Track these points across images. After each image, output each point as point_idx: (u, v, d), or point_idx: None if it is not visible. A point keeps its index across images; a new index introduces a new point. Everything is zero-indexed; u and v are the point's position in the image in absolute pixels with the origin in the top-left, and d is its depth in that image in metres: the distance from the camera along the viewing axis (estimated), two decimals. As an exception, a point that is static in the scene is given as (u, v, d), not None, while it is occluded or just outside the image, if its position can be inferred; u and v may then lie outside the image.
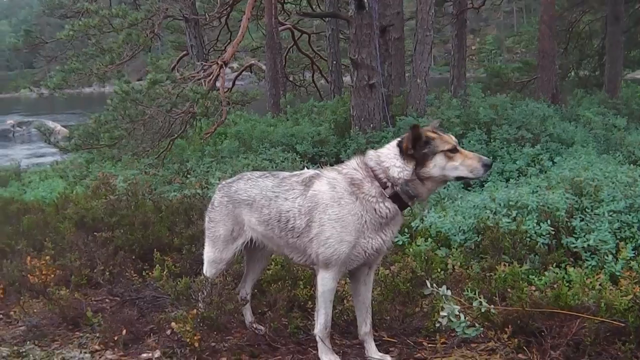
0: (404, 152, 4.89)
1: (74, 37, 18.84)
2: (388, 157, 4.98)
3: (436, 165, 4.87)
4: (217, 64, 16.48)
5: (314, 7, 34.01)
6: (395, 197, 4.94)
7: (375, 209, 4.93)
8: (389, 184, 4.92)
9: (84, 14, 22.80)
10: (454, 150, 4.92)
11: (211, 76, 16.07)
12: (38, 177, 20.89)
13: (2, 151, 48.19)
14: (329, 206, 4.98)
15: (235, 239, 5.74)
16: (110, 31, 18.82)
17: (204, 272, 5.97)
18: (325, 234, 4.96)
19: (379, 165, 4.98)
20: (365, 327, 5.38)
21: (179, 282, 5.99)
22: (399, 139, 5.08)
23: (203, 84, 15.78)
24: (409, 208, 5.17)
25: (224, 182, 6.09)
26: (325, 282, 5.11)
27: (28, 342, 6.21)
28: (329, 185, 5.05)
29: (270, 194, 5.42)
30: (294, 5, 35.25)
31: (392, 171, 4.91)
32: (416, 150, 4.84)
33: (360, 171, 5.03)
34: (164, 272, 6.55)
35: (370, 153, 5.14)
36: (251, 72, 35.72)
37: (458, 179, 5.02)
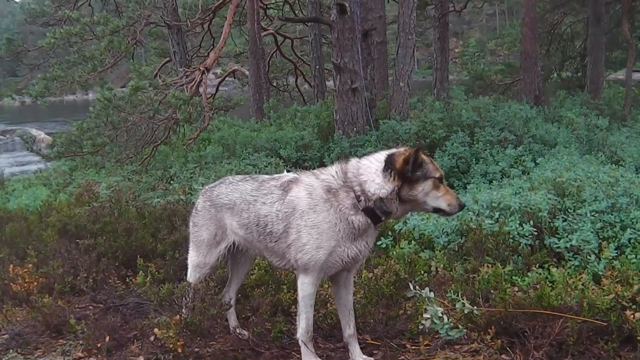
0: (394, 170, 4.83)
1: (56, 45, 18.81)
2: (368, 170, 4.95)
3: (424, 190, 4.87)
4: (200, 69, 16.48)
5: (296, 12, 34.07)
6: (368, 211, 4.92)
7: (348, 220, 4.92)
8: (362, 197, 4.91)
9: (65, 22, 22.78)
10: (441, 180, 4.95)
11: (193, 82, 16.07)
12: (22, 185, 20.79)
13: (-15, 160, 47.95)
14: (305, 212, 4.98)
15: (218, 243, 5.73)
16: (92, 38, 18.81)
17: (188, 277, 5.97)
18: (302, 240, 4.97)
19: (355, 178, 4.95)
20: (349, 330, 5.37)
21: (162, 288, 5.97)
22: (386, 153, 5.02)
23: (186, 90, 15.78)
24: (382, 223, 5.17)
25: (206, 187, 6.09)
26: (305, 287, 5.11)
27: (11, 351, 6.19)
28: (306, 192, 5.05)
29: (249, 197, 5.42)
30: (276, 11, 35.30)
31: (368, 186, 4.89)
32: (412, 171, 4.83)
33: (337, 179, 5.02)
34: (148, 279, 6.53)
35: (352, 162, 5.11)
36: (234, 78, 35.72)
37: (435, 210, 5.02)
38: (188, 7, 30.30)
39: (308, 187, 5.08)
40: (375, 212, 4.90)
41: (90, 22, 18.20)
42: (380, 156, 5.00)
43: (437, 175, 4.90)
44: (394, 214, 5.00)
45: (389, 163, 4.87)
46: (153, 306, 6.20)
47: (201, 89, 16.45)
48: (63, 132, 17.89)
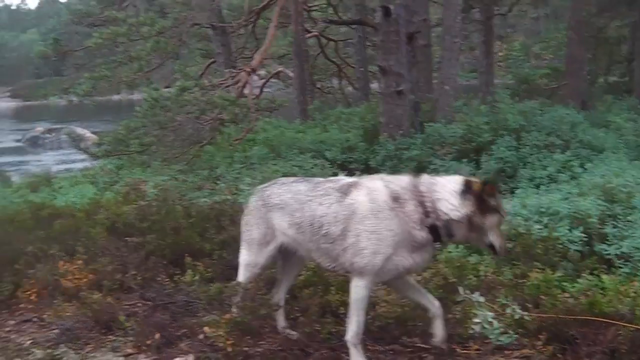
0: (472, 195, 4.88)
1: (103, 45, 19.00)
2: (444, 189, 4.97)
3: (491, 223, 4.95)
4: (245, 71, 16.57)
5: (340, 14, 34.05)
6: (433, 229, 4.93)
7: (410, 232, 4.94)
8: (432, 215, 4.91)
9: (111, 23, 23.02)
10: (502, 219, 5.02)
11: (240, 83, 16.15)
12: (68, 182, 20.99)
13: (33, 157, 48.71)
14: (366, 217, 5.00)
15: (268, 243, 5.76)
16: (138, 39, 18.96)
17: (239, 276, 6.00)
18: (361, 244, 4.99)
19: (429, 194, 4.98)
20: (434, 306, 5.49)
21: (211, 287, 6.02)
22: (462, 177, 5.06)
23: (231, 91, 15.85)
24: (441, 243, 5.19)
25: (259, 187, 6.13)
26: (358, 290, 5.13)
27: (62, 345, 6.28)
28: (369, 196, 5.07)
29: (303, 197, 5.44)
30: (320, 13, 35.30)
31: (441, 204, 4.91)
32: (489, 200, 4.86)
33: (408, 191, 5.02)
34: (196, 277, 6.59)
35: (426, 177, 5.14)
36: (278, 79, 35.82)
37: (489, 245, 5.10)
38: (233, 9, 30.49)
39: (372, 192, 5.09)
40: (439, 231, 4.93)
41: (137, 22, 18.36)
42: (458, 179, 5.05)
43: (504, 213, 4.95)
44: (455, 238, 5.05)
45: (468, 187, 4.91)
46: (202, 305, 6.27)
47: (247, 90, 16.54)
48: (109, 131, 18.07)
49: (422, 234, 4.94)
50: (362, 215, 5.01)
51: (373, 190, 5.10)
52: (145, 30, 18.50)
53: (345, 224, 5.09)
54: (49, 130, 60.81)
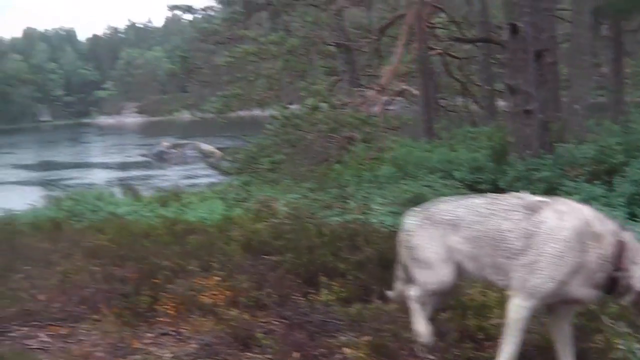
0: None
1: (234, 64, 19.40)
2: None
3: None
4: (375, 90, 16.63)
5: (464, 31, 33.75)
6: (613, 281, 4.86)
7: (592, 270, 4.85)
8: (623, 274, 4.84)
9: (237, 41, 23.50)
10: None
11: (369, 102, 16.20)
12: (197, 198, 21.49)
13: (158, 172, 50.22)
14: (554, 240, 4.91)
15: (443, 262, 5.67)
16: (269, 57, 19.25)
17: (412, 298, 5.94)
18: (540, 264, 4.91)
19: (632, 255, 4.88)
20: None
21: (352, 308, 6.05)
22: None
23: (362, 109, 15.91)
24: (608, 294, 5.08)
25: (417, 208, 6.08)
26: (520, 310, 5.05)
27: (200, 360, 6.40)
28: (560, 220, 4.99)
29: (483, 211, 5.38)
30: (444, 30, 35.07)
31: (638, 271, 4.82)
32: None
33: (609, 234, 4.92)
34: (331, 297, 6.64)
35: (631, 235, 5.01)
36: (402, 97, 35.70)
37: None
38: (357, 27, 30.63)
39: (564, 215, 5.02)
40: (616, 286, 4.87)
41: (267, 41, 18.68)
42: None
43: None
44: (623, 298, 4.98)
45: None
46: (340, 325, 6.30)
47: (377, 109, 16.56)
48: (236, 147, 18.42)
49: (601, 277, 4.85)
50: (550, 237, 4.92)
51: (565, 214, 5.02)
52: (275, 48, 18.79)
53: (529, 241, 5.01)
54: (174, 146, 62.62)
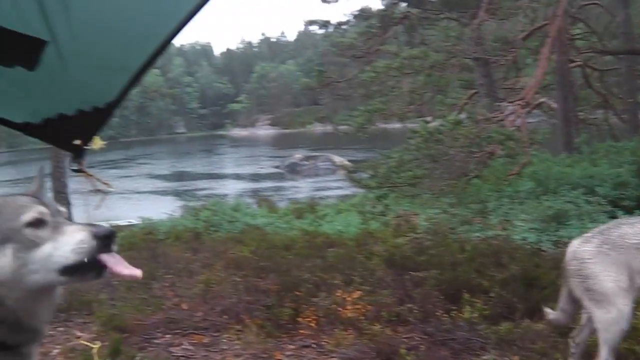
0: None
1: (376, 79, 19.42)
2: None
3: None
4: (520, 104, 16.26)
5: (604, 42, 32.68)
6: None
7: None
8: None
9: (373, 54, 23.52)
10: None
11: (513, 116, 15.84)
12: (332, 210, 21.56)
13: (291, 183, 50.84)
14: None
15: (627, 291, 5.28)
16: (411, 72, 19.18)
17: (603, 339, 5.45)
18: None
19: None
20: None
21: (500, 326, 5.88)
22: None
23: (506, 124, 15.56)
24: None
25: (594, 231, 5.71)
26: None
27: (347, 374, 6.35)
28: None
29: None
30: (583, 42, 34.07)
31: None
32: None
33: None
34: (474, 314, 6.48)
35: None
36: (539, 110, 34.86)
37: None
38: (493, 39, 30.14)
39: None
40: None
41: (409, 56, 18.61)
42: None
43: None
44: None
45: None
46: (484, 343, 6.14)
47: (519, 123, 16.16)
48: (375, 161, 18.32)
49: None
50: None
51: None
52: (418, 63, 18.69)
53: None
54: (307, 158, 63.21)
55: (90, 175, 2.41)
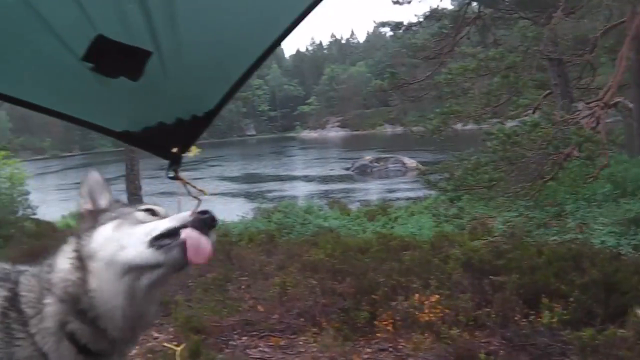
0: None
1: (452, 80, 19.24)
2: None
3: None
4: (598, 105, 15.93)
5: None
6: None
7: None
8: None
9: (446, 56, 23.31)
10: None
11: (590, 117, 15.51)
12: (404, 212, 21.43)
13: (361, 185, 50.75)
14: None
15: None
16: (487, 74, 18.95)
17: None
18: None
19: None
20: None
21: (583, 332, 5.77)
22: None
23: (585, 125, 15.23)
24: None
25: None
26: None
27: (424, 378, 6.31)
28: None
29: None
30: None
31: None
32: None
33: None
34: (554, 320, 6.38)
35: None
36: (615, 110, 34.03)
37: None
38: (568, 38, 29.54)
39: None
40: None
41: (486, 58, 18.38)
42: None
43: None
44: None
45: None
46: (567, 349, 6.04)
47: (599, 125, 15.80)
48: (448, 163, 18.17)
49: None
50: None
51: None
52: (494, 64, 18.44)
53: None
54: (377, 159, 63.01)
55: (187, 183, 2.45)
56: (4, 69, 2.00)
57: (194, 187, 2.49)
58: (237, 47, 2.06)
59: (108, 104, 2.23)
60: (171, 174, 2.43)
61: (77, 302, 2.57)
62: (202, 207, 2.45)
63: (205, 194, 2.57)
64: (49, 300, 2.67)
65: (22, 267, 3.06)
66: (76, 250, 2.58)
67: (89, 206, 2.71)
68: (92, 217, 2.66)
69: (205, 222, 2.37)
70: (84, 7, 1.76)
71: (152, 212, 2.57)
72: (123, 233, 2.50)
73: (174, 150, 2.33)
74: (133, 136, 2.33)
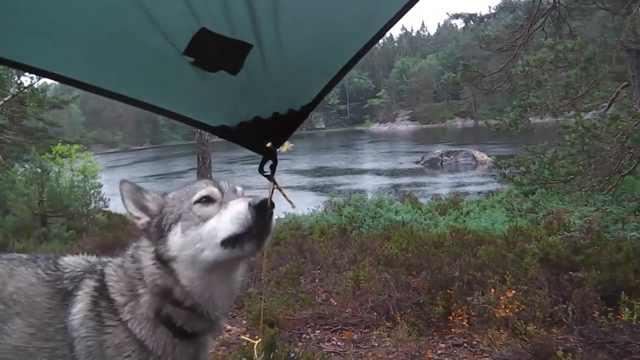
0: None
1: (528, 72, 18.92)
2: None
3: None
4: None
5: None
6: None
7: None
8: None
9: (520, 47, 22.91)
10: None
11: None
12: (476, 206, 21.28)
13: (431, 179, 50.50)
14: None
15: None
16: (565, 66, 18.59)
17: None
18: None
19: None
20: None
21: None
22: None
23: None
24: None
25: None
26: None
27: (504, 376, 6.25)
28: None
29: None
30: None
31: None
32: None
33: None
34: (634, 317, 6.26)
35: None
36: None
37: None
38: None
39: None
40: None
41: (564, 49, 18.00)
42: None
43: None
44: None
45: None
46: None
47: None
48: (521, 156, 17.90)
49: None
50: None
51: None
52: (573, 56, 18.08)
53: None
54: (447, 153, 62.63)
55: (278, 189, 2.49)
56: (109, 66, 2.03)
57: (284, 195, 2.51)
58: (336, 42, 2.06)
59: (206, 99, 2.26)
60: (267, 172, 2.46)
61: (170, 293, 2.64)
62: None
63: (293, 206, 2.61)
64: (142, 290, 2.74)
65: (104, 259, 3.16)
66: (154, 253, 2.67)
67: (142, 217, 2.78)
68: (154, 225, 2.76)
69: (263, 209, 2.48)
70: (190, 1, 1.78)
71: (207, 199, 2.67)
72: (193, 237, 2.64)
73: (268, 145, 2.35)
74: (229, 131, 2.35)
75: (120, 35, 1.86)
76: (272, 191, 2.47)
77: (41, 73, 2.07)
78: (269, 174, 2.47)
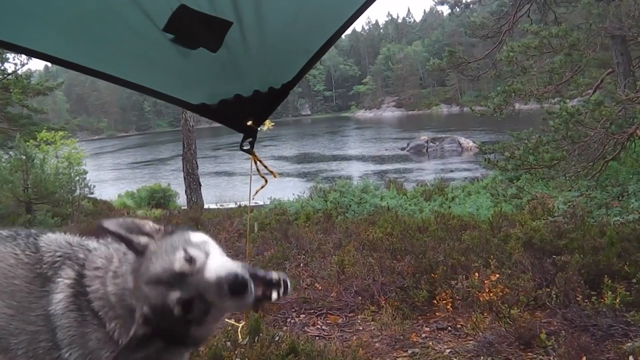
0: None
1: (512, 58, 18.99)
2: None
3: None
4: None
5: None
6: None
7: None
8: None
9: (505, 34, 22.96)
10: None
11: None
12: (461, 192, 21.36)
13: (416, 165, 50.63)
14: None
15: None
16: (550, 52, 18.67)
17: None
18: None
19: None
20: None
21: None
22: None
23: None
24: None
25: None
26: None
27: (482, 357, 6.25)
28: None
29: None
30: None
31: None
32: None
33: None
34: (616, 300, 6.29)
35: None
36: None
37: None
38: (632, 16, 28.81)
39: None
40: None
41: (548, 35, 18.06)
42: None
43: None
44: None
45: None
46: (630, 331, 5.96)
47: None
48: (506, 142, 18.00)
49: None
50: None
51: None
52: (556, 42, 18.14)
53: None
54: (433, 140, 62.80)
55: (259, 161, 2.47)
56: (91, 43, 2.02)
57: (265, 166, 2.50)
58: (315, 21, 2.06)
59: (186, 77, 2.25)
60: (246, 147, 2.44)
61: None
62: (253, 186, 2.48)
63: (275, 176, 2.58)
64: (121, 311, 2.73)
65: (85, 242, 3.12)
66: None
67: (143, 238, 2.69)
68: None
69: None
70: (169, -22, 1.77)
71: (190, 261, 2.55)
72: None
73: (249, 123, 2.34)
74: (209, 109, 2.34)
75: (102, 12, 1.85)
76: (256, 162, 2.47)
77: (24, 51, 2.06)
78: (248, 147, 2.46)
